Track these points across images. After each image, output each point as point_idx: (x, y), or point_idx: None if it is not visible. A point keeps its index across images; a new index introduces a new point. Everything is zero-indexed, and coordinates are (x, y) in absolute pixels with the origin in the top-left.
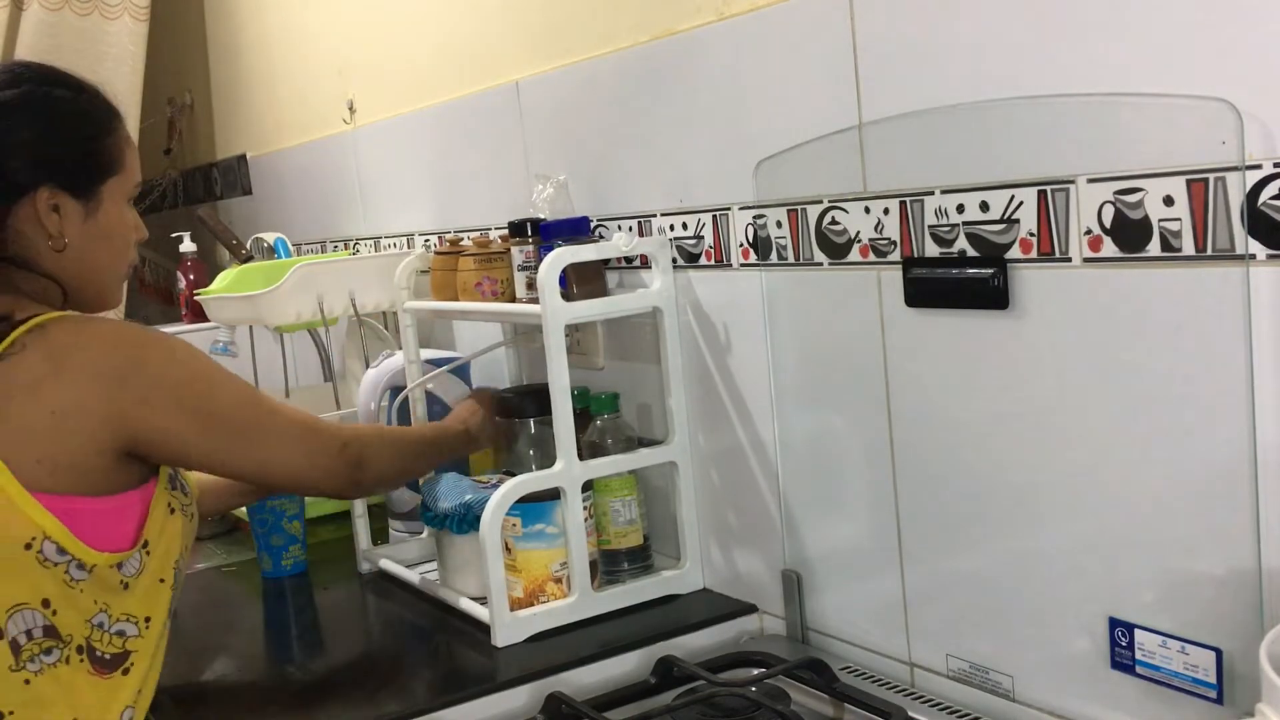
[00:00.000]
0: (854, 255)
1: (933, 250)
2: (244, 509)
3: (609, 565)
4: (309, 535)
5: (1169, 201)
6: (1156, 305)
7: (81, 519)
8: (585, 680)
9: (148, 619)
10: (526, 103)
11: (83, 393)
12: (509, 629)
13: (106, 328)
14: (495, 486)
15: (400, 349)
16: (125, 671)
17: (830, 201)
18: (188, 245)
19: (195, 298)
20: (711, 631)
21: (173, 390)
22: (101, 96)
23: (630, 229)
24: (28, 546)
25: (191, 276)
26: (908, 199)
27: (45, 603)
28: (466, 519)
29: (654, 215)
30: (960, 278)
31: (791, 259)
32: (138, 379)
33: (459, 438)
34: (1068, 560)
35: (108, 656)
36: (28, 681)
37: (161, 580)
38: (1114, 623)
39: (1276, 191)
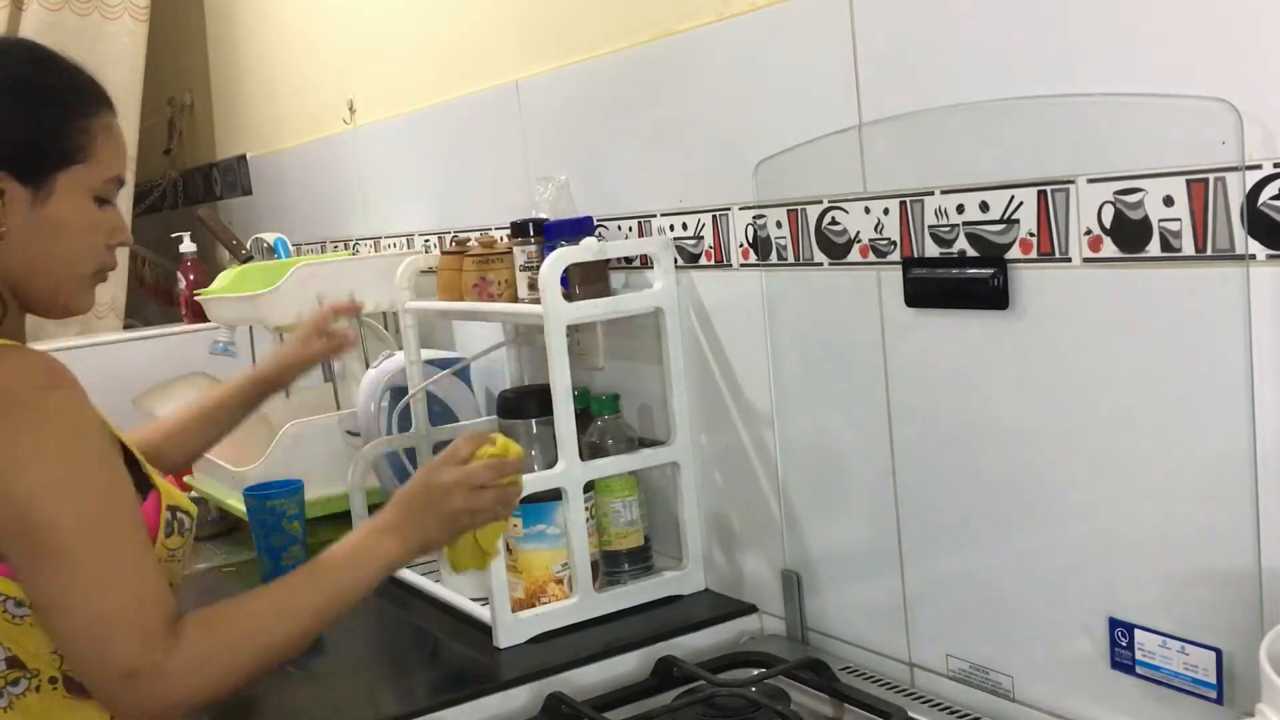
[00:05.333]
0: (854, 255)
1: (933, 250)
2: (244, 509)
3: (610, 566)
4: (309, 535)
5: (1169, 202)
6: (1156, 305)
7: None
8: (585, 680)
9: None
10: (526, 103)
11: None
12: (510, 630)
13: None
14: None
15: (400, 349)
16: None
17: (830, 201)
18: (188, 245)
19: (195, 298)
20: (711, 632)
21: None
22: (81, 79)
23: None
24: None
25: (191, 276)
26: (908, 199)
27: None
28: None
29: (654, 215)
30: (960, 278)
31: (791, 259)
32: None
33: (394, 565)
34: (1068, 560)
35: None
36: (4, 710)
37: None
38: (1114, 623)
39: (1276, 191)
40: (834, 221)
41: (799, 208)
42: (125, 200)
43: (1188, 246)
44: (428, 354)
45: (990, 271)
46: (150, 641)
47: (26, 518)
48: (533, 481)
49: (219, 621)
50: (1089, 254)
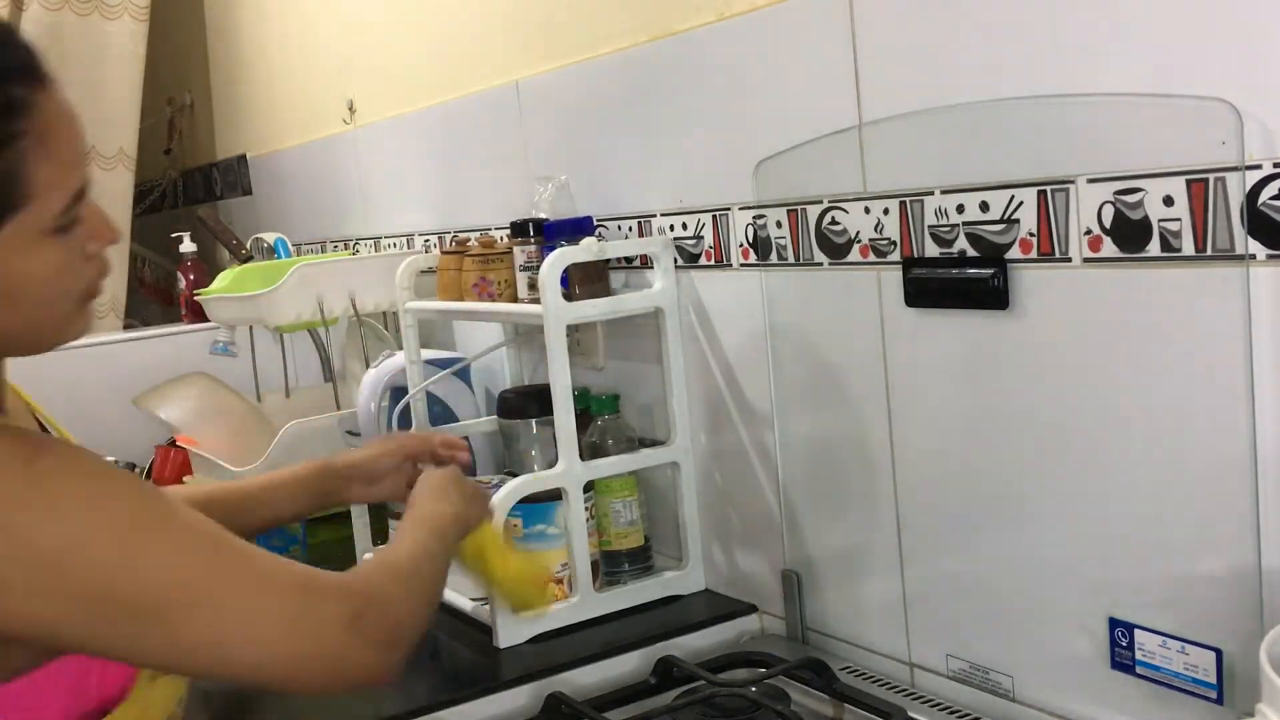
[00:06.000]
0: (854, 255)
1: (933, 250)
2: None
3: (610, 566)
4: (309, 535)
5: (1169, 201)
6: (1156, 305)
7: None
8: (585, 680)
9: None
10: (526, 103)
11: None
12: (510, 630)
13: None
14: (496, 487)
15: (400, 349)
16: None
17: (830, 201)
18: (188, 245)
19: (195, 298)
20: (711, 632)
21: (46, 571)
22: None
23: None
24: None
25: (191, 277)
26: (908, 199)
27: None
28: None
29: (654, 215)
30: (960, 278)
31: (791, 259)
32: None
33: (451, 531)
34: (1068, 560)
35: None
36: None
37: None
38: (1114, 623)
39: (1276, 191)
40: (834, 221)
41: (799, 208)
42: (124, 200)
43: (1188, 246)
44: (428, 354)
45: (990, 271)
46: (336, 585)
47: (119, 592)
48: (533, 481)
49: (373, 563)
50: (1089, 254)
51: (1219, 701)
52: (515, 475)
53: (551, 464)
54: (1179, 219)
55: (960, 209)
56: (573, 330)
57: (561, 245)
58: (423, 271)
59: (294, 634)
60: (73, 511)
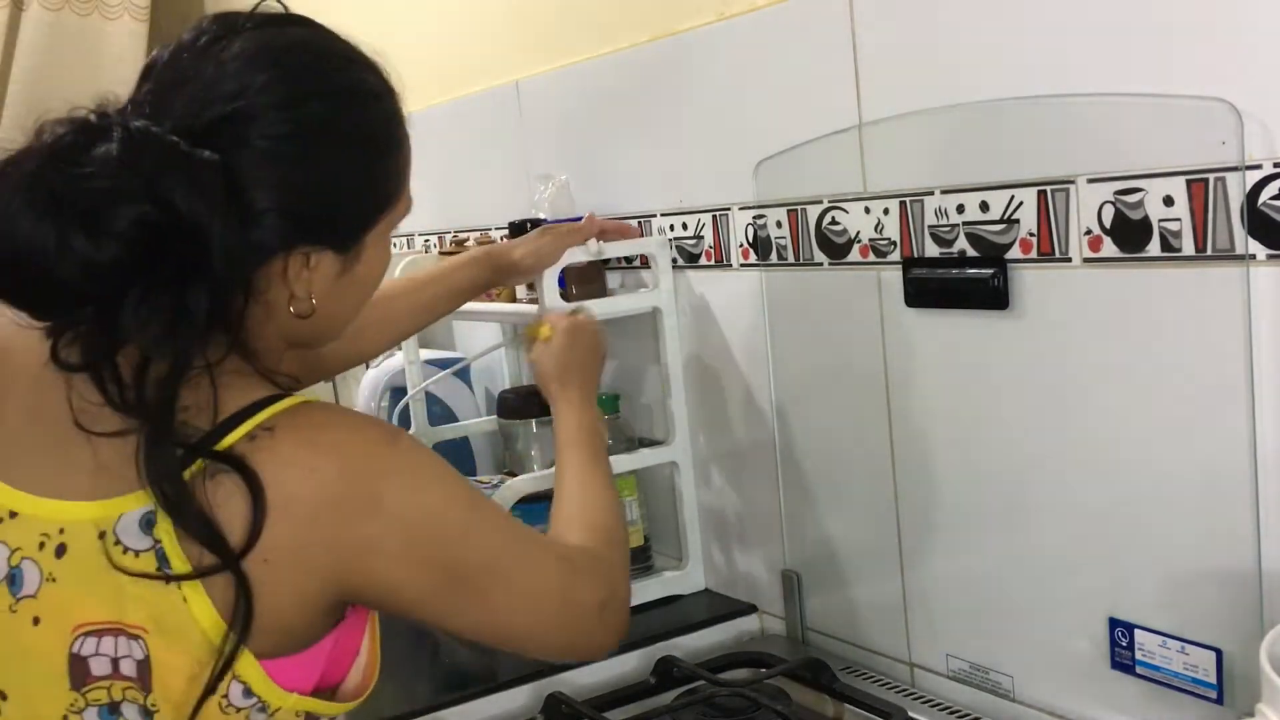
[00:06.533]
0: (854, 255)
1: (933, 250)
2: None
3: None
4: None
5: (1169, 201)
6: (1156, 305)
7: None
8: (585, 680)
9: None
10: (526, 103)
11: (298, 535)
12: None
13: (339, 438)
14: (496, 487)
15: (400, 349)
16: None
17: (830, 201)
18: None
19: None
20: (711, 632)
21: (411, 536)
22: (388, 92)
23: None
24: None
25: None
26: (908, 199)
27: None
28: None
29: (654, 215)
30: (960, 278)
31: (791, 259)
32: (370, 522)
33: (600, 430)
34: (1068, 560)
35: None
36: None
37: None
38: (1114, 623)
39: (1276, 191)
40: (834, 221)
41: (799, 208)
42: None
43: (1188, 246)
44: (428, 354)
45: (990, 271)
46: (590, 571)
47: (455, 560)
48: (533, 481)
49: (579, 522)
50: (1089, 254)
51: (1219, 701)
52: (515, 475)
53: (551, 464)
54: (1179, 219)
55: (960, 209)
56: None
57: None
58: None
59: (559, 611)
60: (431, 486)
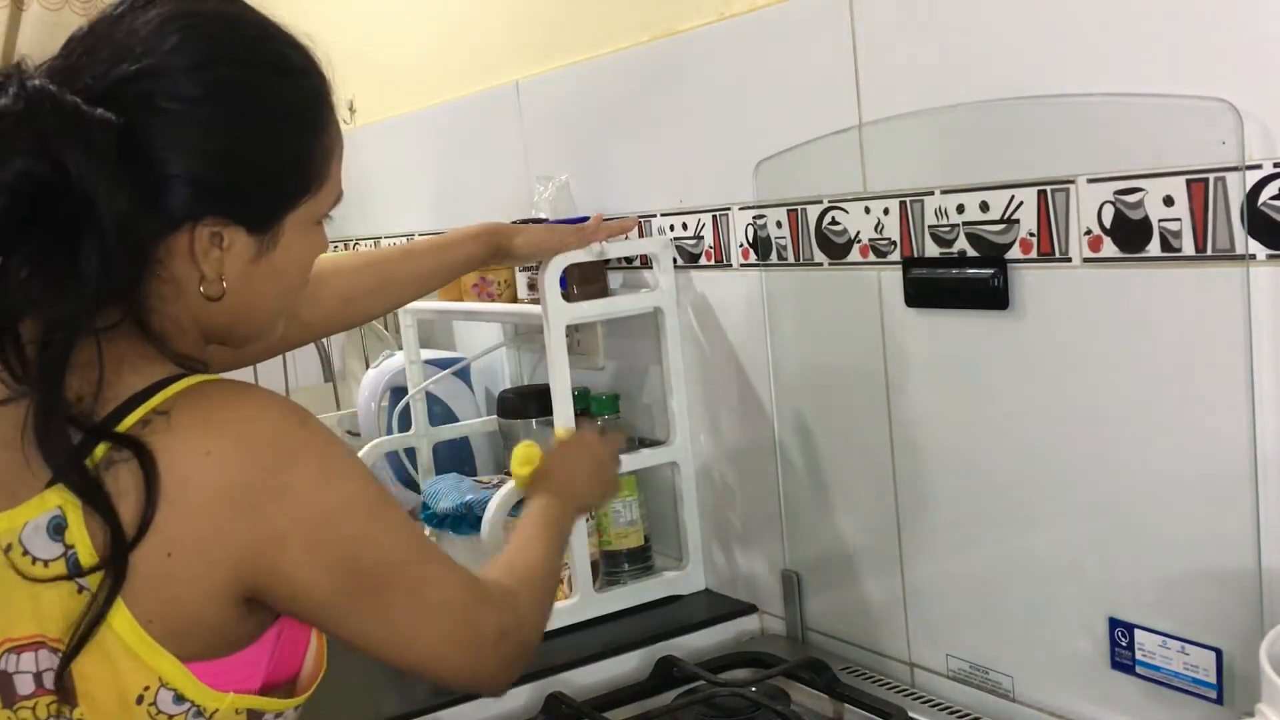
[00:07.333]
0: (854, 255)
1: (933, 250)
2: None
3: (610, 566)
4: None
5: (1169, 201)
6: (1156, 305)
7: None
8: (585, 680)
9: None
10: (526, 103)
11: (198, 524)
12: None
13: (240, 416)
14: (496, 487)
15: (400, 349)
16: None
17: (830, 201)
18: None
19: None
20: (711, 632)
21: (317, 531)
22: (313, 70)
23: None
24: (139, 700)
25: None
26: (908, 199)
27: None
28: (467, 519)
29: (654, 215)
30: (960, 278)
31: (791, 259)
32: (275, 511)
33: (570, 528)
34: (1068, 560)
35: None
36: None
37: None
38: (1114, 623)
39: (1276, 191)
40: (834, 221)
41: (799, 208)
42: None
43: (1188, 246)
44: (428, 354)
45: (990, 271)
46: (497, 600)
47: (360, 561)
48: None
49: (505, 564)
50: (1089, 254)
51: (1219, 701)
52: None
53: None
54: (1179, 219)
55: (960, 209)
56: (572, 330)
57: None
58: None
59: (458, 631)
60: (339, 479)
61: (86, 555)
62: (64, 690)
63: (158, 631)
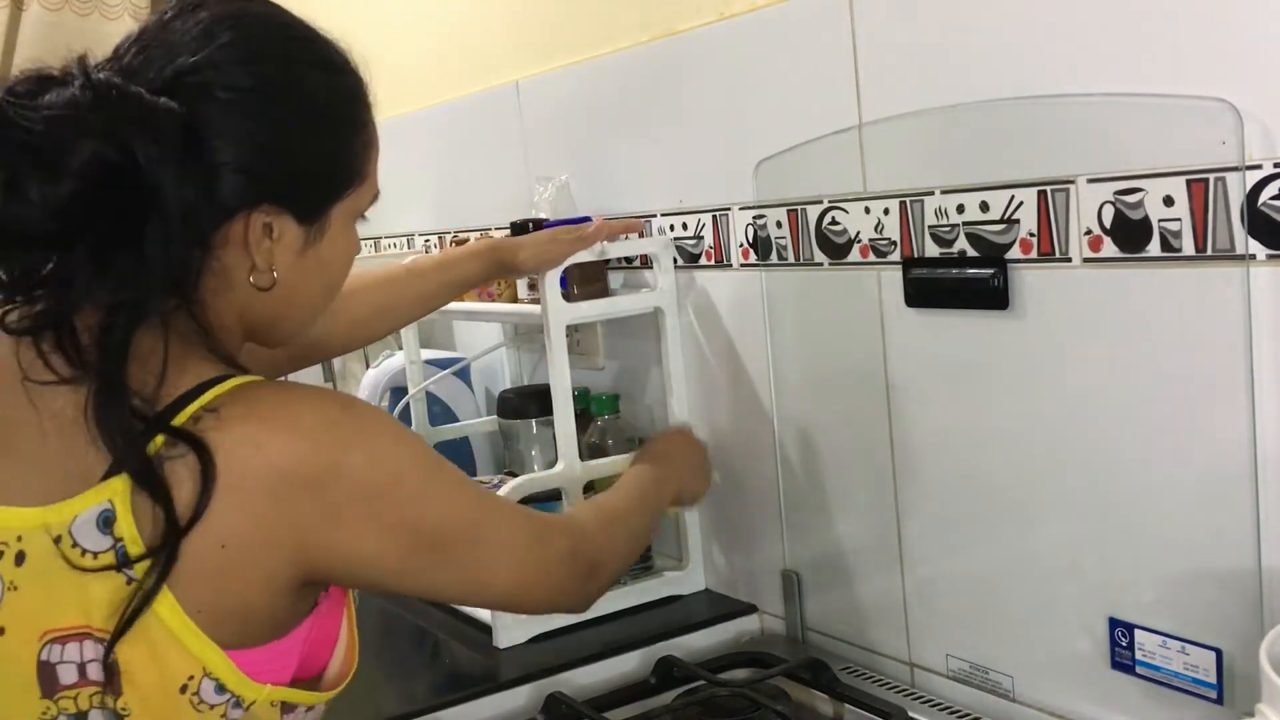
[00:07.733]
0: (854, 255)
1: (933, 250)
2: None
3: None
4: None
5: (1169, 202)
6: (1156, 305)
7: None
8: (585, 680)
9: None
10: (526, 103)
11: (255, 515)
12: (510, 630)
13: (290, 411)
14: (496, 487)
15: (400, 349)
16: None
17: (830, 201)
18: None
19: None
20: (711, 631)
21: (376, 502)
22: (352, 70)
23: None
24: (182, 689)
25: None
26: (908, 199)
27: None
28: None
29: (654, 215)
30: (960, 278)
31: (791, 259)
32: (331, 492)
33: (667, 496)
34: (1068, 560)
35: None
36: None
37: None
38: (1114, 623)
39: (1276, 191)
40: (834, 221)
41: (799, 208)
42: None
43: (1188, 246)
44: (428, 354)
45: (990, 271)
46: (561, 525)
47: (423, 521)
48: (533, 481)
49: (589, 503)
50: (1089, 254)
51: (1219, 701)
52: (515, 475)
53: (551, 464)
54: (1179, 219)
55: (960, 209)
56: (573, 330)
57: None
58: None
59: (532, 564)
60: (391, 450)
61: (135, 547)
62: (110, 676)
63: (204, 621)
